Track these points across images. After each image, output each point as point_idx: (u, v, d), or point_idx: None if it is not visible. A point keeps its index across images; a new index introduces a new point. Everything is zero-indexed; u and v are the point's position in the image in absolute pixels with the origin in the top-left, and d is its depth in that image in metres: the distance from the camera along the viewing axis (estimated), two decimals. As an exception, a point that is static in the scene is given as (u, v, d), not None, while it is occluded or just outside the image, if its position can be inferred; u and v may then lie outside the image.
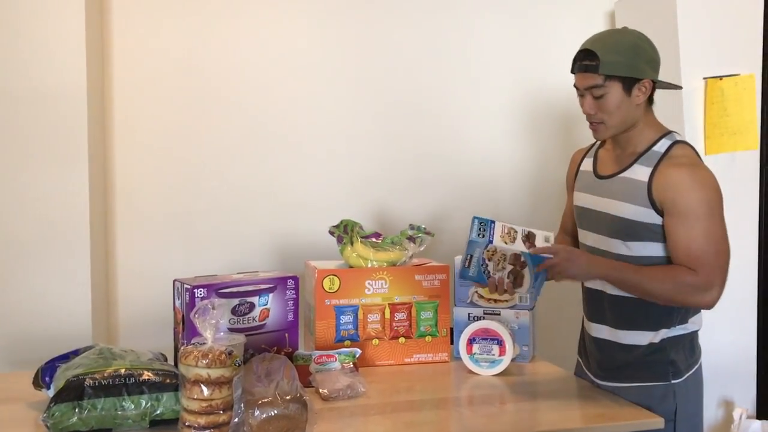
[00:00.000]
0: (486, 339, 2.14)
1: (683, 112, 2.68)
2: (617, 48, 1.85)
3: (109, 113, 2.76)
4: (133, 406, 1.68)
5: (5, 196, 2.51)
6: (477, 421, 1.85)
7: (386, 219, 2.98)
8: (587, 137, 2.05)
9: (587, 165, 2.08)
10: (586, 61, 1.87)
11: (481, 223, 1.90)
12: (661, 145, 1.90)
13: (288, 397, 1.63)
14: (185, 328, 1.96)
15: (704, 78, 2.72)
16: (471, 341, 2.15)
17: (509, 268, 1.86)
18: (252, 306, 2.06)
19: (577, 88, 1.92)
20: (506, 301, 2.24)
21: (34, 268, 2.53)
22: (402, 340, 2.25)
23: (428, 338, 2.27)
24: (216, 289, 1.99)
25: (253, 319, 2.07)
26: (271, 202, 2.90)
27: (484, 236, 1.88)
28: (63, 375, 1.72)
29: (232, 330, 2.00)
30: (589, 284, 2.03)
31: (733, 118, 2.73)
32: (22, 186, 2.51)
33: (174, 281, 2.06)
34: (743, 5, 2.79)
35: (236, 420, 1.61)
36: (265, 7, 2.87)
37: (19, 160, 2.51)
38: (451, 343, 2.28)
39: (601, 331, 2.02)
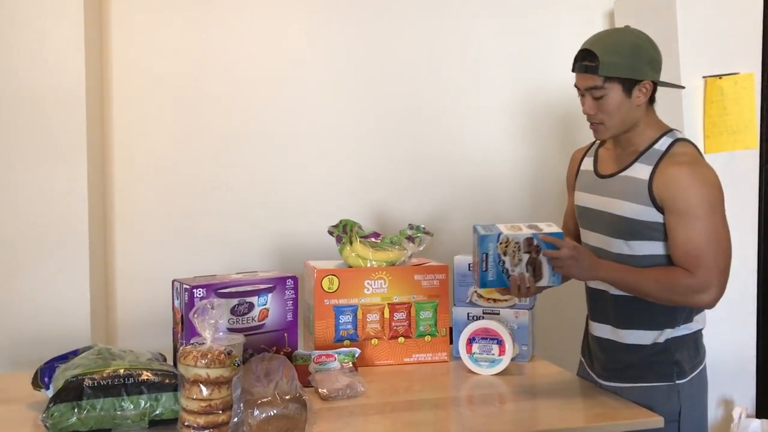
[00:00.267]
0: (485, 338, 2.14)
1: (683, 111, 2.68)
2: (617, 49, 1.84)
3: (107, 114, 2.76)
4: (132, 407, 1.68)
5: (4, 197, 2.51)
6: (476, 420, 1.84)
7: (385, 219, 2.98)
8: (586, 137, 2.05)
9: (588, 164, 2.07)
10: (585, 61, 1.85)
11: (483, 226, 1.88)
12: (662, 144, 1.89)
13: (287, 397, 1.63)
14: (184, 328, 1.96)
15: (704, 77, 2.72)
16: (470, 341, 2.15)
17: (525, 258, 1.82)
18: (251, 306, 2.06)
19: (578, 88, 1.91)
20: (505, 300, 2.24)
21: (33, 269, 2.53)
22: (401, 339, 2.25)
23: (427, 338, 2.26)
24: (215, 289, 1.99)
25: (253, 319, 2.06)
26: (270, 203, 2.90)
27: (492, 231, 1.85)
28: (62, 375, 1.72)
29: (231, 330, 2.00)
30: (592, 284, 2.02)
31: (733, 117, 2.72)
32: (21, 187, 2.51)
33: (173, 281, 2.06)
34: (743, 4, 2.79)
35: (235, 420, 1.60)
36: (265, 8, 2.87)
37: (17, 161, 2.51)
38: (451, 342, 2.28)
39: (604, 331, 2.01)
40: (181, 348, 1.67)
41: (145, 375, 1.71)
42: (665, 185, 1.82)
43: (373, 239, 2.32)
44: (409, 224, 2.37)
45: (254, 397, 1.62)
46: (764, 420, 2.65)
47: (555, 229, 1.86)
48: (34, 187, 2.51)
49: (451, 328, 2.28)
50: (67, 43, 2.51)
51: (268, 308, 2.09)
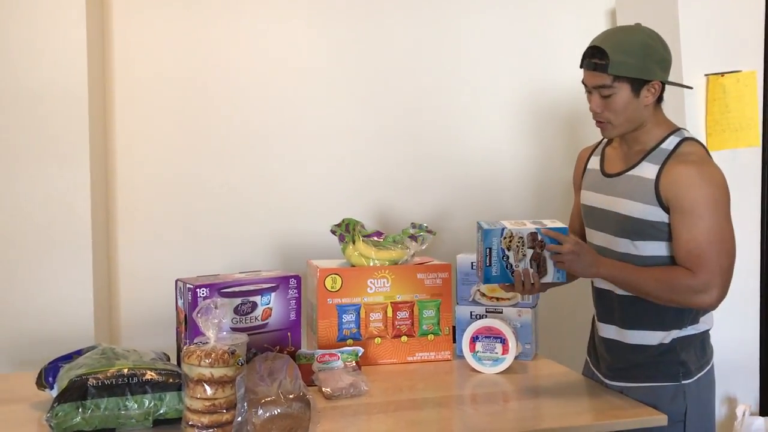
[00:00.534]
0: (489, 337, 2.14)
1: (684, 109, 2.68)
2: (628, 48, 1.81)
3: (110, 114, 2.76)
4: (136, 406, 1.68)
5: (7, 197, 2.51)
6: (480, 419, 1.85)
7: (388, 218, 2.98)
8: (590, 137, 2.05)
9: (594, 163, 2.05)
10: (595, 59, 1.83)
11: (487, 222, 1.88)
12: (670, 143, 1.87)
13: (291, 396, 1.64)
14: (188, 328, 1.96)
15: (705, 75, 2.71)
16: (474, 339, 2.15)
17: (530, 253, 1.81)
18: (254, 305, 2.06)
19: (585, 85, 1.89)
20: (508, 299, 2.24)
21: (37, 269, 2.53)
22: (404, 338, 2.25)
23: (430, 337, 2.26)
24: (218, 288, 1.99)
25: (256, 318, 2.07)
26: (273, 202, 2.90)
27: (496, 226, 1.85)
28: (66, 375, 1.72)
29: (234, 329, 2.00)
30: (598, 284, 2.01)
31: (735, 115, 2.72)
32: (24, 187, 2.52)
33: (176, 281, 2.06)
34: (745, 1, 2.78)
35: (239, 419, 1.61)
36: (267, 9, 2.87)
37: (20, 161, 2.51)
38: (454, 341, 2.28)
39: (609, 332, 1.99)
40: (184, 347, 1.67)
41: (149, 374, 1.71)
42: (671, 184, 1.81)
43: (375, 238, 2.32)
44: (412, 223, 2.37)
45: (258, 396, 1.63)
46: (768, 417, 2.65)
47: (559, 224, 1.86)
48: (37, 187, 2.52)
49: (454, 327, 2.28)
50: (69, 43, 2.52)
51: (272, 307, 2.09)
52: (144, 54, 2.77)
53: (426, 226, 2.34)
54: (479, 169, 3.09)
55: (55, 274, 2.54)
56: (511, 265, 1.83)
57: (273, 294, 2.10)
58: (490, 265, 1.83)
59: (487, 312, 2.25)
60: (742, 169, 2.75)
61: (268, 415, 1.60)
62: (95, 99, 2.64)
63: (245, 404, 1.62)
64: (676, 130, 1.91)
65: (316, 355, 2.08)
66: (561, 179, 3.05)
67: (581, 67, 1.88)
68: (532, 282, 1.83)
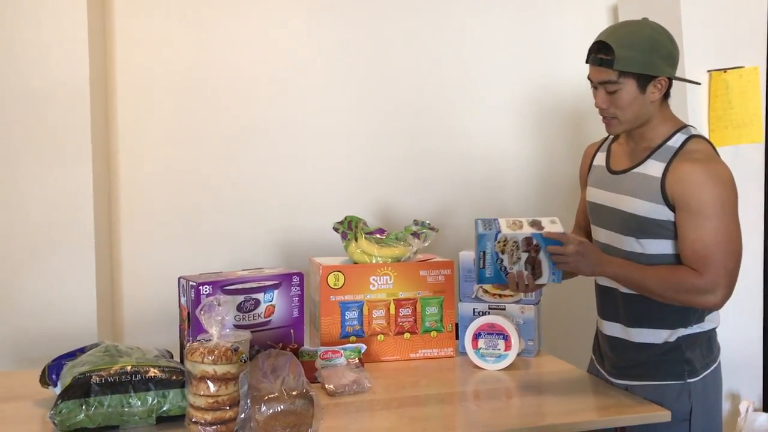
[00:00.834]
0: (491, 334, 2.14)
1: (687, 105, 2.68)
2: (634, 43, 1.79)
3: (112, 113, 2.76)
4: (139, 403, 1.68)
5: (10, 195, 2.52)
6: (483, 415, 1.85)
7: (390, 215, 2.98)
8: (593, 133, 2.04)
9: (600, 159, 2.04)
10: (600, 54, 1.81)
11: (484, 221, 1.88)
12: (676, 140, 1.85)
13: (294, 393, 1.64)
14: (191, 325, 1.97)
15: (708, 71, 2.71)
16: (476, 336, 2.15)
17: (524, 256, 1.81)
18: (257, 302, 2.06)
19: (591, 81, 1.87)
20: (511, 295, 2.24)
21: (40, 267, 2.54)
22: (407, 335, 2.25)
23: (433, 333, 2.27)
24: (221, 285, 2.00)
25: (259, 315, 2.07)
26: (276, 200, 2.90)
27: (491, 229, 1.85)
28: (69, 372, 1.72)
29: (237, 326, 2.00)
30: (602, 282, 2.00)
31: (738, 111, 2.72)
32: (27, 185, 2.52)
33: (179, 278, 2.07)
34: (747, -3, 2.78)
35: (243, 416, 1.61)
36: (269, 7, 2.87)
37: (23, 160, 2.52)
38: (456, 338, 2.28)
39: (614, 330, 1.99)
40: (187, 345, 1.67)
41: (153, 372, 1.71)
42: (678, 182, 1.79)
43: (378, 235, 2.32)
44: (414, 220, 2.37)
45: (261, 393, 1.63)
46: (771, 414, 2.65)
47: (558, 225, 1.85)
48: (39, 186, 2.52)
49: (456, 324, 2.29)
50: (70, 42, 2.52)
51: (274, 305, 2.09)
52: (146, 52, 2.77)
53: (429, 223, 2.34)
54: (482, 166, 3.09)
55: (58, 272, 2.55)
56: (505, 268, 1.83)
57: (276, 291, 2.10)
58: (483, 267, 1.84)
59: (489, 309, 2.25)
60: (745, 166, 2.75)
61: (271, 411, 1.61)
62: (97, 97, 2.64)
63: (248, 401, 1.62)
64: (683, 127, 1.89)
65: (319, 352, 2.09)
66: (564, 176, 3.04)
67: (587, 62, 1.87)
68: (527, 283, 1.83)
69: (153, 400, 1.69)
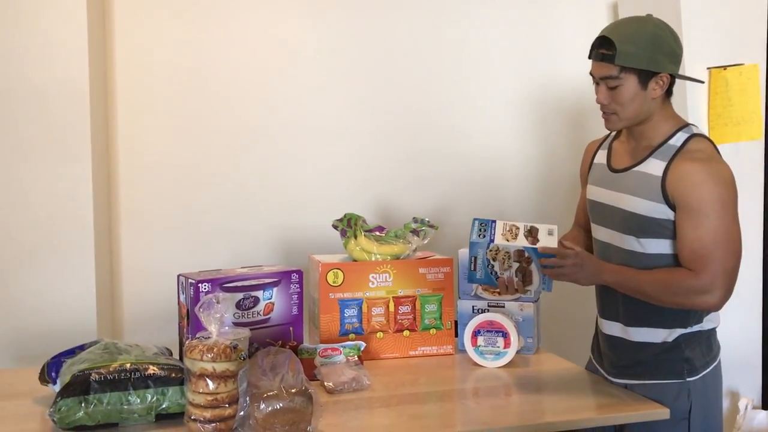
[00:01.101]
0: (491, 331, 2.14)
1: (687, 103, 2.67)
2: (636, 38, 1.79)
3: (112, 110, 2.76)
4: (138, 401, 1.69)
5: (9, 192, 2.51)
6: (482, 412, 1.85)
7: (390, 213, 2.98)
8: (593, 131, 2.03)
9: (601, 157, 2.03)
10: (602, 49, 1.81)
11: (481, 224, 1.89)
12: (677, 139, 1.84)
13: (293, 390, 1.64)
14: (190, 323, 1.97)
15: (708, 68, 2.70)
16: (476, 333, 2.15)
17: (515, 266, 1.84)
18: (256, 300, 2.06)
19: (593, 76, 1.87)
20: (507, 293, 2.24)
21: (39, 265, 2.54)
22: (406, 333, 2.25)
23: (432, 331, 2.27)
24: (220, 283, 2.00)
25: (258, 313, 2.07)
26: (275, 197, 2.90)
27: (484, 236, 1.86)
28: (69, 370, 1.72)
29: (236, 324, 2.00)
30: None
31: (737, 108, 2.71)
32: (26, 182, 2.52)
33: (178, 276, 2.07)
34: (747, -5, 2.77)
35: (242, 413, 1.61)
36: (269, 4, 2.86)
37: (22, 157, 2.51)
38: (456, 335, 2.28)
39: (613, 329, 1.99)
40: (187, 342, 1.67)
41: (152, 369, 1.71)
42: (678, 182, 1.78)
43: (377, 233, 2.32)
44: (414, 217, 2.37)
45: (260, 391, 1.63)
46: (770, 411, 2.65)
47: (554, 237, 1.88)
48: (39, 183, 2.52)
49: (456, 321, 2.29)
50: (70, 39, 2.51)
51: (274, 302, 2.09)
52: (145, 49, 2.77)
53: (428, 221, 2.34)
54: (482, 164, 3.08)
55: (57, 270, 2.54)
56: (496, 273, 1.87)
57: (275, 289, 2.10)
58: (474, 270, 1.89)
59: (489, 306, 2.25)
60: (745, 163, 2.75)
61: (270, 409, 1.61)
62: (97, 94, 2.63)
63: (247, 399, 1.62)
64: (684, 125, 1.88)
65: (318, 350, 2.09)
66: (564, 175, 3.04)
67: (589, 57, 1.86)
68: (516, 288, 1.86)
69: (152, 398, 1.69)
